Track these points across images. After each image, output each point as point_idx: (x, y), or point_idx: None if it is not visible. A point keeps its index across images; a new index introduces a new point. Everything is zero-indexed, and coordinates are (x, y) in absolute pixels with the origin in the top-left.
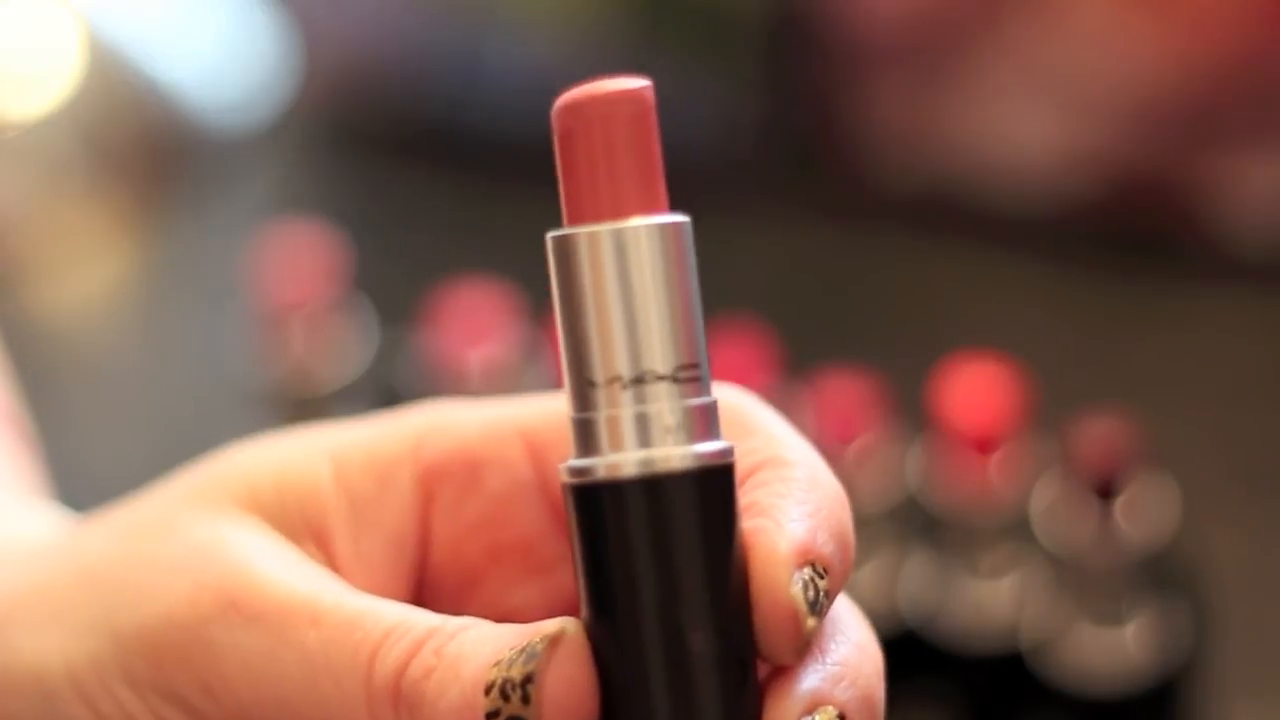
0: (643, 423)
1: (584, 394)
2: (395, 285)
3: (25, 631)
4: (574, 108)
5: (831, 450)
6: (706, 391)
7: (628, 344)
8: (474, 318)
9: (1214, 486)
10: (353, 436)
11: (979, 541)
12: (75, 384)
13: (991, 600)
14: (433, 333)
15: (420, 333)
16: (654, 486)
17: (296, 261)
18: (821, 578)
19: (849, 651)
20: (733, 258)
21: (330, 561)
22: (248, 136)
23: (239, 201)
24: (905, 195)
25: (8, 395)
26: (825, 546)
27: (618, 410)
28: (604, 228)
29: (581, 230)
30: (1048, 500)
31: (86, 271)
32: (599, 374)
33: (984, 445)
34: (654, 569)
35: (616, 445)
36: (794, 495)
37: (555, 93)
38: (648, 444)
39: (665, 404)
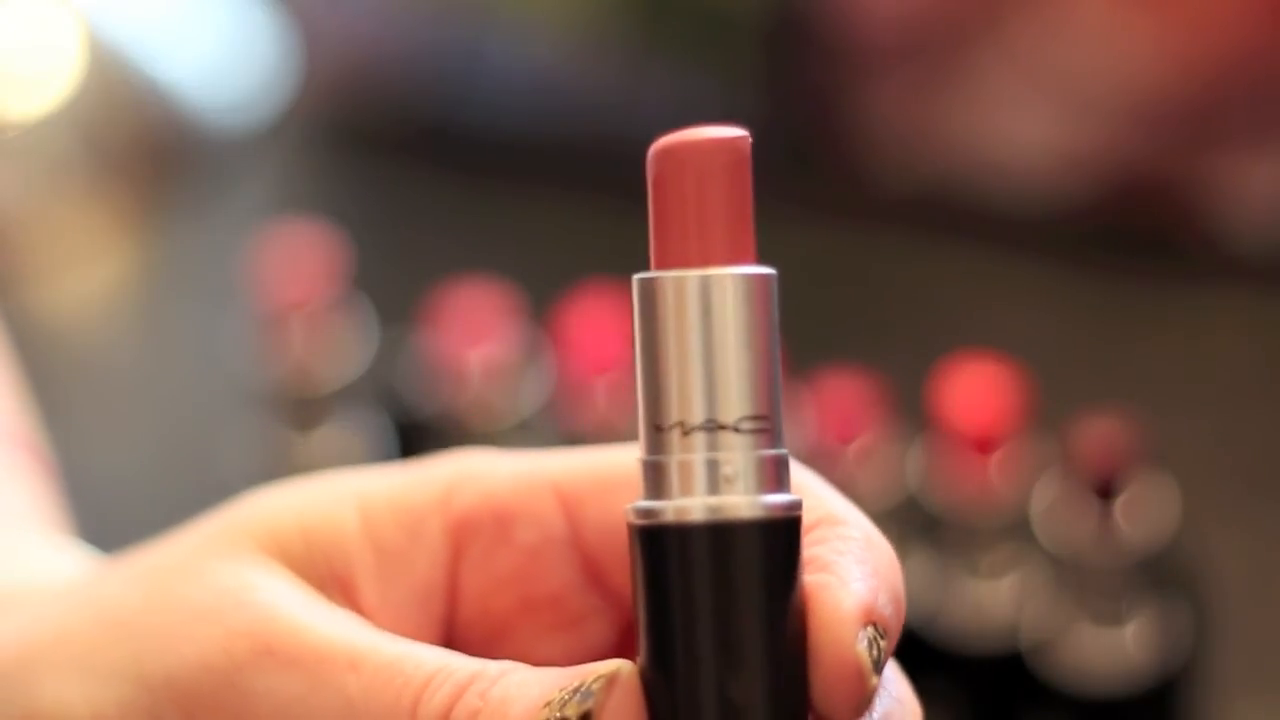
0: (714, 469)
1: (657, 437)
2: (395, 285)
3: (49, 678)
4: (670, 152)
5: (831, 450)
6: (779, 444)
7: (705, 391)
8: (474, 318)
9: (1214, 486)
10: (381, 484)
11: (979, 541)
12: (75, 384)
13: (991, 600)
14: (433, 333)
15: (420, 333)
16: (721, 533)
17: (296, 261)
18: (883, 638)
19: (890, 707)
20: None
21: (357, 611)
22: (248, 136)
23: (239, 201)
24: (905, 195)
25: (26, 422)
26: (886, 608)
27: (690, 455)
28: (692, 274)
29: (669, 275)
30: (1048, 500)
31: (86, 271)
32: (674, 418)
33: (984, 445)
34: (715, 615)
35: (686, 490)
36: (854, 553)
37: (555, 93)
38: (717, 491)
39: (738, 453)
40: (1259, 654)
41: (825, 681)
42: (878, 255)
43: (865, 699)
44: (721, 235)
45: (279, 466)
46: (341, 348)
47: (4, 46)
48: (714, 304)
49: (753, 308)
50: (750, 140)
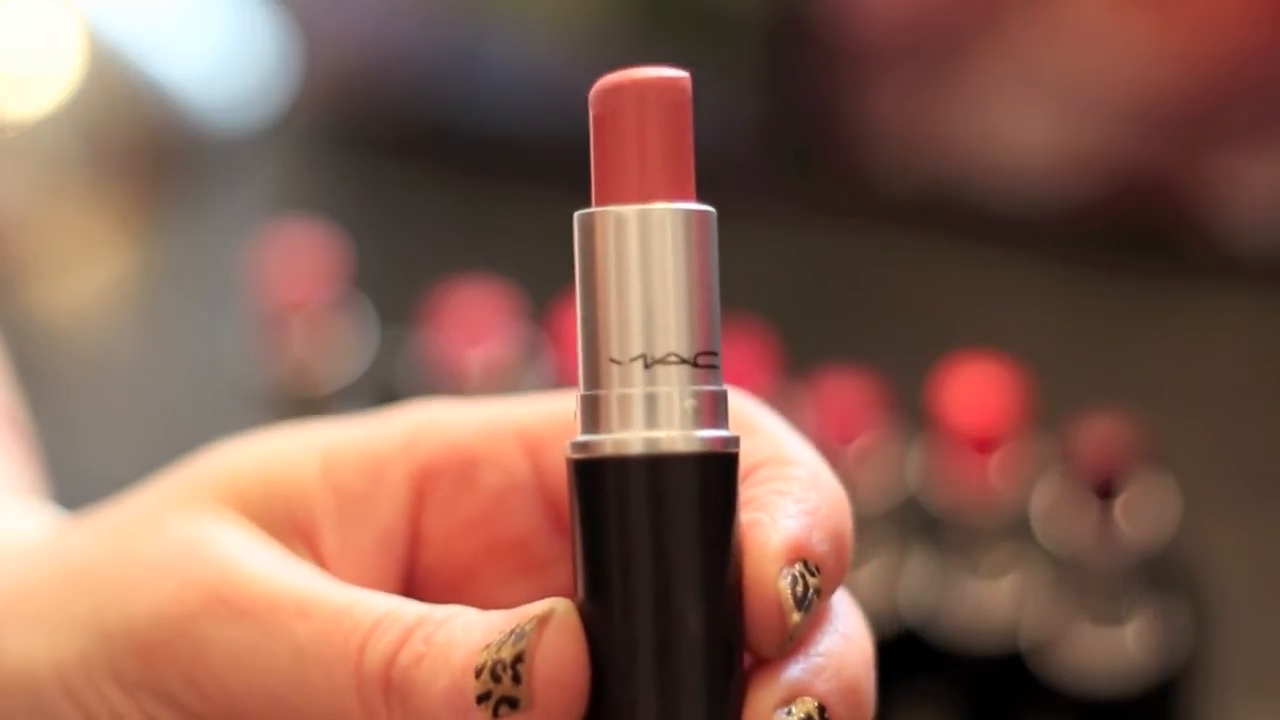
0: (652, 403)
1: (596, 371)
2: (395, 285)
3: (12, 631)
4: (612, 90)
5: (831, 450)
6: (718, 382)
7: (644, 325)
8: (474, 318)
9: (1214, 486)
10: (344, 434)
11: (979, 541)
12: (75, 384)
13: (991, 600)
14: (433, 333)
15: (420, 333)
16: (658, 466)
17: (296, 261)
18: (813, 575)
19: (834, 643)
20: (732, 258)
21: (318, 558)
22: (248, 136)
23: (239, 201)
24: (905, 195)
25: (6, 393)
26: (820, 545)
27: (629, 389)
28: (631, 209)
29: (609, 210)
30: (1048, 500)
31: (86, 271)
32: (613, 352)
33: (984, 445)
34: (651, 548)
35: (625, 424)
36: (793, 493)
37: (555, 93)
38: (655, 425)
39: (676, 387)
40: (1259, 654)
41: (751, 617)
42: (878, 255)
43: (787, 634)
44: (662, 172)
45: None
46: (341, 348)
47: (4, 46)
48: (653, 239)
49: (691, 244)
50: (690, 81)
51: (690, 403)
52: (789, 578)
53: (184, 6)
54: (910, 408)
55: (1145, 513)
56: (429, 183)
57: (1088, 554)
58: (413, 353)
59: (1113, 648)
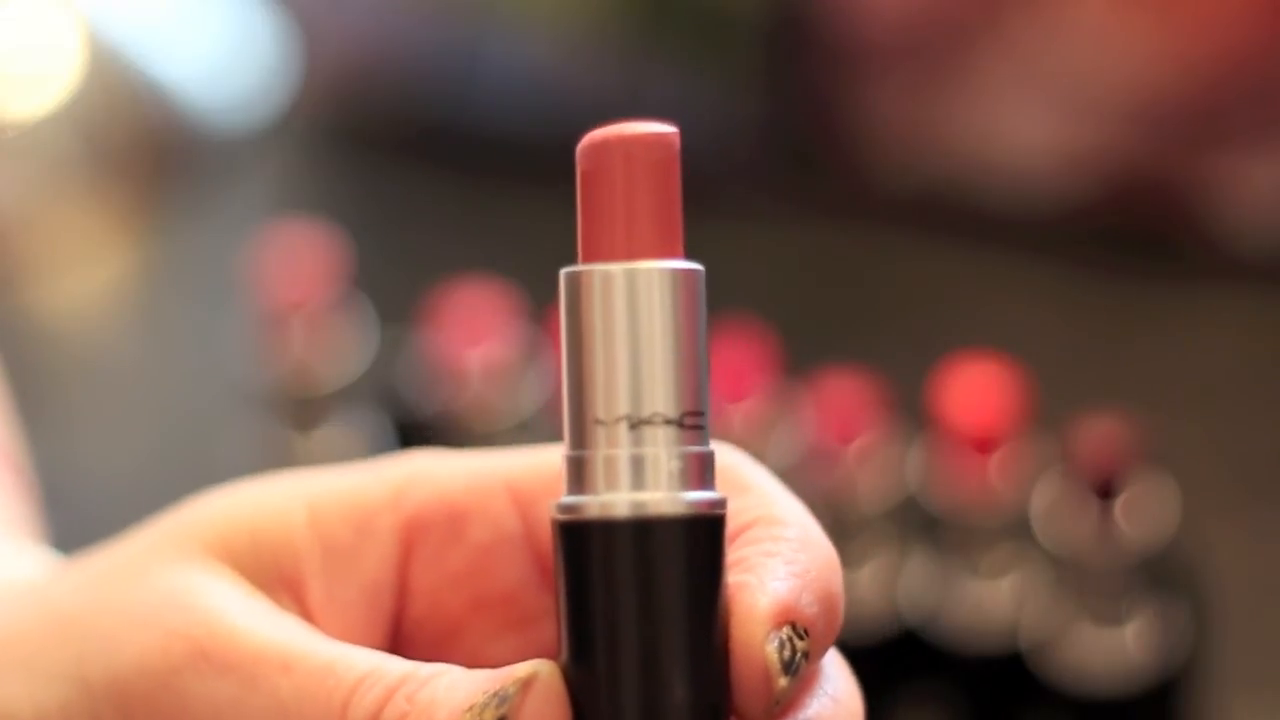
0: (638, 465)
1: (582, 432)
2: (395, 285)
3: None
4: (599, 147)
5: (831, 450)
6: (705, 442)
7: (630, 385)
8: (474, 318)
9: (1214, 486)
10: (332, 484)
11: (979, 541)
12: (75, 384)
13: (991, 600)
14: (433, 333)
15: (420, 333)
16: (644, 529)
17: (296, 261)
18: (801, 639)
19: (822, 706)
20: (733, 258)
21: (303, 610)
22: (248, 136)
23: (239, 201)
24: (905, 195)
25: (6, 432)
26: (809, 608)
27: (615, 450)
28: (618, 267)
29: (595, 268)
30: (1048, 500)
31: (86, 271)
32: (599, 412)
33: (984, 445)
34: (636, 611)
35: (611, 485)
36: (783, 554)
37: (555, 93)
38: (641, 486)
39: (663, 449)
40: (1259, 654)
41: (738, 681)
42: (878, 255)
43: (774, 699)
44: (650, 230)
45: (279, 466)
46: (341, 348)
47: (4, 46)
48: (640, 298)
49: (679, 303)
50: (679, 136)
51: (676, 464)
52: (776, 641)
53: (184, 6)
54: (910, 408)
55: (1145, 513)
56: (429, 183)
57: (1088, 554)
58: (413, 353)
59: (1113, 648)
